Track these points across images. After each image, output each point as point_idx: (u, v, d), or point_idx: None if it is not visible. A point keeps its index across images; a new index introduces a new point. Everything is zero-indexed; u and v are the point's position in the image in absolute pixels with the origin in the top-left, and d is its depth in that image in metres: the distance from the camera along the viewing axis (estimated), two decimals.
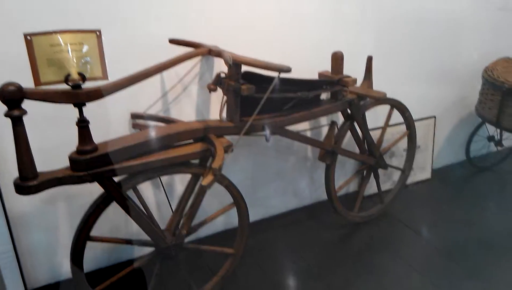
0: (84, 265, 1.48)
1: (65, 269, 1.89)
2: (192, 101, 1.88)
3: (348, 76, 1.89)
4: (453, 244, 2.18)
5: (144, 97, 1.76)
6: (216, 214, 1.72)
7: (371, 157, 2.17)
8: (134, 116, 1.75)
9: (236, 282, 1.91)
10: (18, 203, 1.71)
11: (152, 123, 1.74)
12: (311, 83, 1.79)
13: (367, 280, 1.92)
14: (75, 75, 1.27)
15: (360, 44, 2.23)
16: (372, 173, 2.28)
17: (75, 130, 1.33)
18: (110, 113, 1.72)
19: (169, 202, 1.83)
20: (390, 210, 2.45)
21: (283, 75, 1.50)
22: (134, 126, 1.72)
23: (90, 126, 1.33)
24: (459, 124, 2.90)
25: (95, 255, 1.93)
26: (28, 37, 1.22)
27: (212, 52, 1.55)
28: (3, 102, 1.17)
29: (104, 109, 1.70)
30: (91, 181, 1.35)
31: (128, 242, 1.56)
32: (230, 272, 1.80)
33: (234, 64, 1.53)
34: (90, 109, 1.37)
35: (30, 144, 1.25)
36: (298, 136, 1.84)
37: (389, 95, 2.19)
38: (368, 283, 1.90)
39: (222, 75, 1.60)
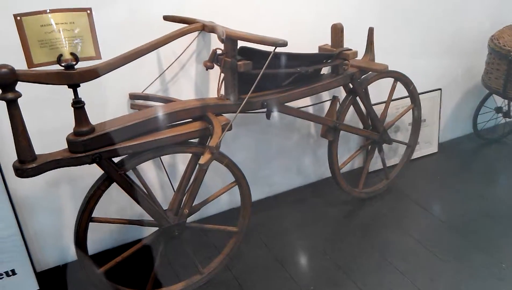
0: (93, 246, 1.49)
1: (72, 251, 1.91)
2: (190, 80, 1.86)
3: (349, 49, 1.85)
4: (461, 218, 2.16)
5: (142, 77, 1.74)
6: (218, 193, 1.71)
7: (375, 132, 2.14)
8: (133, 97, 1.73)
9: (242, 260, 1.92)
10: (23, 186, 1.72)
11: (150, 103, 1.72)
12: (310, 57, 1.76)
13: (373, 256, 1.92)
14: (67, 56, 1.26)
15: (361, 15, 2.18)
16: (377, 149, 2.25)
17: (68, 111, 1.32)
18: (109, 94, 1.70)
19: (170, 182, 1.83)
20: (396, 185, 2.42)
21: (281, 49, 1.47)
22: (133, 106, 1.70)
23: (89, 108, 1.33)
24: (465, 96, 2.84)
25: (103, 237, 1.95)
26: (18, 18, 1.20)
27: (206, 28, 1.52)
28: None
29: (102, 90, 1.68)
30: (89, 162, 1.35)
31: (131, 222, 1.56)
32: (234, 250, 1.81)
33: (230, 39, 1.50)
34: (88, 91, 1.37)
35: (31, 127, 1.25)
36: (299, 113, 1.82)
37: (392, 68, 2.15)
38: (373, 258, 1.90)
39: (218, 51, 1.57)
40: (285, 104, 1.76)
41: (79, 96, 1.30)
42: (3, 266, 1.70)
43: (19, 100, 1.19)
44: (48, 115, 1.65)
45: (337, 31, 1.85)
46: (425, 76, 2.55)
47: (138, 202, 1.49)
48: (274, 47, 1.40)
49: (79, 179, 1.81)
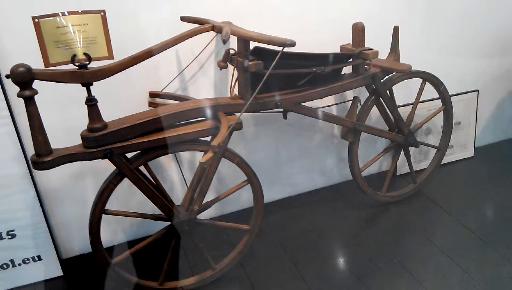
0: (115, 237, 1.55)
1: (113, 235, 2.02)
2: (209, 79, 1.88)
3: (369, 48, 1.80)
4: (491, 228, 2.04)
5: (162, 76, 1.79)
6: (229, 191, 1.73)
7: (400, 134, 2.08)
8: (152, 95, 1.79)
9: (256, 258, 1.93)
10: (52, 179, 1.82)
11: (169, 101, 1.77)
12: (327, 57, 1.73)
13: (391, 262, 1.86)
14: (81, 56, 1.33)
15: (387, 13, 2.11)
16: (403, 152, 2.18)
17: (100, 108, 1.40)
18: (131, 92, 1.76)
19: (184, 179, 1.87)
20: (424, 190, 2.33)
21: (295, 49, 1.46)
22: (150, 104, 1.76)
23: (112, 105, 1.39)
24: (505, 98, 2.67)
25: (126, 228, 2.03)
26: (36, 20, 1.28)
27: (215, 28, 1.54)
28: (14, 82, 1.24)
29: (125, 88, 1.75)
30: (101, 157, 1.41)
31: (142, 216, 1.62)
32: (247, 248, 1.82)
33: (242, 40, 1.51)
34: (110, 89, 1.43)
35: (57, 123, 1.33)
36: (316, 113, 1.79)
37: (423, 68, 2.08)
38: (391, 265, 1.85)
39: (232, 51, 1.59)
40: (302, 104, 1.75)
41: (93, 94, 1.37)
42: (30, 251, 1.82)
43: (47, 98, 1.27)
44: (75, 112, 1.74)
45: (358, 30, 1.81)
46: (460, 77, 2.43)
47: (148, 197, 1.54)
48: (282, 48, 1.40)
49: (103, 172, 1.87)
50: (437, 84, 2.11)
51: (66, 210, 1.90)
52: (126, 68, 1.37)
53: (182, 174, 1.85)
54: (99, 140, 1.39)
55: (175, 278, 1.79)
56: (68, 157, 1.38)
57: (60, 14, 1.29)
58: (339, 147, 2.34)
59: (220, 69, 1.64)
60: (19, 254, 1.81)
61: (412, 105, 2.12)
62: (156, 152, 1.50)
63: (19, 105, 1.63)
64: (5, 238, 1.77)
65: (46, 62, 1.32)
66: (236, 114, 1.60)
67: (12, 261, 1.81)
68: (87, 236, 1.98)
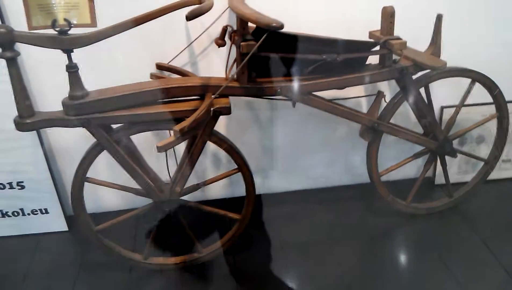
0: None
1: (103, 202, 2.06)
2: (220, 55, 1.77)
3: (397, 38, 1.55)
4: None
5: (170, 49, 1.72)
6: (217, 177, 1.64)
7: (433, 140, 1.80)
8: (159, 67, 1.73)
9: (250, 248, 1.85)
10: (63, 137, 1.89)
11: (173, 75, 1.71)
12: (343, 44, 1.52)
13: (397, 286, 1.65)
14: (62, 21, 1.30)
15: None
16: (439, 160, 1.90)
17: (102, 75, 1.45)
18: (136, 62, 1.72)
19: (176, 159, 1.80)
20: (461, 208, 2.02)
21: (305, 33, 1.31)
22: (151, 76, 1.70)
23: (116, 76, 1.40)
24: None
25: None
26: None
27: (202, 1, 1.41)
28: None
29: (130, 59, 1.72)
30: (79, 125, 1.40)
31: (124, 189, 1.60)
32: (235, 237, 1.74)
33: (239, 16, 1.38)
34: (115, 57, 1.52)
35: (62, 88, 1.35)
36: (326, 106, 1.60)
37: (476, 67, 1.77)
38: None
39: (229, 28, 1.46)
40: (311, 94, 1.58)
41: (74, 61, 1.34)
42: (38, 204, 1.92)
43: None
44: (84, 77, 1.76)
45: (387, 15, 1.56)
46: None
47: (127, 171, 1.52)
48: (267, 30, 1.25)
49: None
50: (491, 86, 1.77)
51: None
52: (107, 37, 1.31)
53: (175, 154, 1.79)
54: (78, 108, 1.37)
55: (161, 255, 1.78)
56: (48, 121, 1.39)
57: None
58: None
59: (218, 47, 1.53)
60: (28, 204, 1.92)
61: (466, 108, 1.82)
62: (137, 127, 1.46)
63: (24, 64, 1.69)
64: (15, 188, 1.88)
65: (30, 25, 1.31)
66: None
67: (22, 210, 1.93)
68: (95, 197, 2.07)
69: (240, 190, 2.09)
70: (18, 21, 1.42)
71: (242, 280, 1.71)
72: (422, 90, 1.73)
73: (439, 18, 1.62)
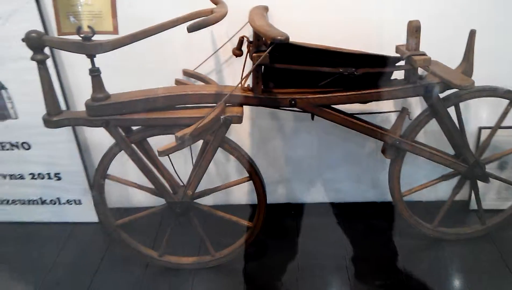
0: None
1: (134, 198, 2.16)
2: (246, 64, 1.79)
3: (422, 54, 1.48)
4: None
5: (197, 56, 1.77)
6: (228, 184, 1.67)
7: (462, 163, 1.69)
8: (185, 73, 1.79)
9: (263, 256, 1.85)
10: (97, 136, 2.00)
11: (197, 82, 1.76)
12: (362, 58, 1.48)
13: None
14: (86, 28, 1.40)
15: (465, 10, 1.71)
16: (471, 184, 1.78)
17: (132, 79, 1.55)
18: (165, 68, 1.79)
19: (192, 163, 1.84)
20: (496, 237, 1.87)
21: (324, 45, 1.31)
22: (176, 82, 1.77)
23: (145, 80, 1.52)
24: None
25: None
26: None
27: (205, 12, 1.44)
28: (28, 46, 1.37)
29: (160, 64, 1.80)
30: (99, 126, 1.49)
31: (140, 187, 1.68)
32: (247, 244, 1.75)
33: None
34: (144, 63, 1.64)
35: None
36: (342, 120, 1.56)
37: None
38: None
39: (246, 39, 1.48)
40: (329, 106, 1.55)
41: (96, 66, 1.43)
42: (72, 194, 2.07)
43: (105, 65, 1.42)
44: (116, 81, 1.86)
45: (412, 30, 1.49)
46: None
47: (143, 172, 1.59)
48: (272, 42, 1.25)
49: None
50: None
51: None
52: (125, 45, 1.38)
53: (192, 158, 1.83)
54: (98, 109, 1.47)
55: (176, 254, 1.83)
56: (72, 120, 1.50)
57: None
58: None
59: (236, 57, 1.56)
60: (64, 195, 2.08)
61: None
62: (152, 130, 1.52)
63: (64, 64, 1.82)
64: (52, 179, 2.04)
65: (59, 31, 1.43)
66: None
67: (58, 199, 2.09)
68: (124, 192, 2.18)
69: (268, 197, 2.10)
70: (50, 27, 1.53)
71: (251, 288, 1.72)
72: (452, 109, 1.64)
73: (471, 34, 1.52)
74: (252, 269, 1.80)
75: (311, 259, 1.83)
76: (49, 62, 1.72)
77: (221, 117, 1.45)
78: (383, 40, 1.68)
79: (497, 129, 1.68)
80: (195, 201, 1.67)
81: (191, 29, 1.19)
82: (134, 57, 1.74)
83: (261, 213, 1.67)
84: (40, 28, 1.64)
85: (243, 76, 1.50)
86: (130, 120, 1.48)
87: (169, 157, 1.71)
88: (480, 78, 1.57)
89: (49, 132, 1.87)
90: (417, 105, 1.87)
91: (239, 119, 1.47)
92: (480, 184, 1.81)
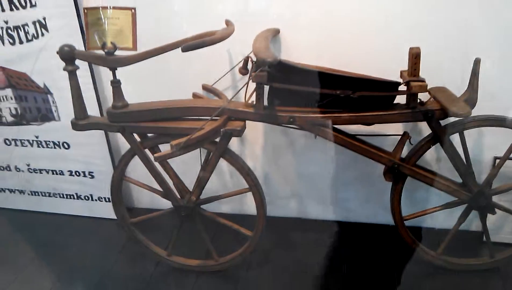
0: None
1: (159, 201, 2.32)
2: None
3: (421, 80, 1.50)
4: None
5: (216, 72, 1.91)
6: (230, 193, 1.77)
7: (466, 191, 1.66)
8: (204, 88, 1.94)
9: (265, 265, 1.93)
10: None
11: (212, 96, 1.89)
12: (362, 82, 1.53)
13: None
14: (109, 44, 1.58)
15: (470, 39, 1.70)
16: (478, 214, 1.73)
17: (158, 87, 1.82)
18: (187, 82, 1.95)
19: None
20: (506, 271, 1.80)
21: (325, 67, 1.42)
22: (193, 96, 1.91)
23: (166, 92, 1.72)
24: None
25: None
26: (85, 11, 1.60)
27: (210, 33, 1.56)
28: (61, 58, 1.59)
29: (185, 78, 1.96)
30: (116, 131, 1.67)
31: (151, 189, 1.83)
32: (247, 253, 1.83)
33: None
34: (169, 76, 1.85)
35: (136, 96, 1.67)
36: (341, 140, 1.62)
37: None
38: None
39: (250, 59, 1.59)
40: (324, 126, 1.61)
41: (117, 78, 1.61)
42: (104, 192, 2.28)
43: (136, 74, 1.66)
44: (149, 88, 2.04)
45: (412, 57, 1.52)
46: None
47: (153, 176, 1.74)
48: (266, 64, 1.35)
49: None
50: None
51: (138, 168, 2.26)
52: (140, 60, 1.55)
53: (201, 164, 1.96)
54: (117, 116, 1.65)
55: (185, 255, 1.96)
56: (95, 125, 1.70)
57: (100, 8, 1.57)
58: (411, 185, 2.00)
59: (242, 75, 1.67)
60: (96, 192, 2.30)
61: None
62: (162, 138, 1.67)
63: (100, 76, 2.04)
64: (87, 177, 2.26)
65: (88, 46, 1.63)
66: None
67: (91, 195, 2.31)
68: (152, 194, 2.35)
69: (276, 210, 2.19)
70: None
71: None
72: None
73: (476, 62, 1.52)
74: (252, 277, 1.88)
75: (311, 274, 1.87)
76: (87, 73, 1.99)
77: (222, 130, 1.57)
78: (395, 66, 1.71)
79: (505, 159, 1.64)
80: (201, 206, 1.80)
81: (185, 49, 1.32)
82: (162, 73, 1.95)
83: (260, 223, 1.76)
84: (81, 42, 1.88)
85: (252, 93, 1.61)
86: (144, 127, 1.64)
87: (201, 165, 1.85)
88: (494, 107, 1.60)
89: (85, 134, 2.09)
90: (428, 129, 1.86)
91: (239, 133, 1.57)
92: (495, 216, 1.77)
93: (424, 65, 1.58)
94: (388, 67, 1.73)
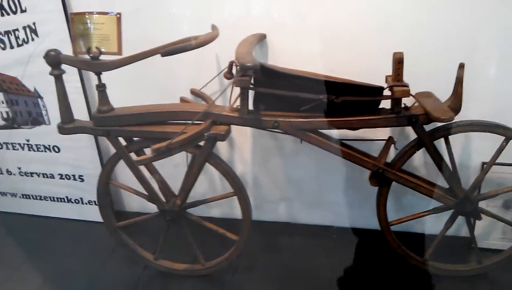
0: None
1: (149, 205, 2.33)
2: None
3: (404, 85, 1.50)
4: None
5: (204, 77, 1.91)
6: (216, 197, 1.77)
7: (451, 197, 1.65)
8: (192, 92, 1.94)
9: (253, 269, 1.94)
10: None
11: (199, 100, 1.90)
12: (345, 86, 1.53)
13: None
14: (94, 49, 1.59)
15: (470, 43, 1.70)
16: (465, 220, 1.72)
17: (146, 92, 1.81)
18: (175, 86, 1.96)
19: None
20: (492, 277, 1.79)
21: (308, 72, 1.45)
22: (181, 100, 1.91)
23: (155, 96, 1.73)
24: None
25: None
26: (71, 16, 1.61)
27: (194, 38, 1.56)
28: (47, 63, 1.60)
29: (173, 82, 1.97)
30: (101, 135, 1.68)
31: (137, 193, 1.83)
32: (233, 257, 1.83)
33: None
34: (157, 80, 1.85)
35: (123, 101, 1.68)
36: (324, 144, 1.62)
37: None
38: None
39: (234, 64, 1.59)
40: (315, 131, 1.61)
41: (103, 82, 1.63)
42: (93, 196, 2.26)
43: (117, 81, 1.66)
44: (138, 93, 2.05)
45: (395, 62, 1.51)
46: None
47: (137, 179, 1.74)
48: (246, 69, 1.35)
49: None
50: None
51: (126, 171, 2.27)
52: (125, 65, 1.56)
53: (188, 169, 1.96)
54: (101, 120, 1.65)
55: (172, 259, 1.96)
56: (81, 128, 1.70)
57: (86, 14, 1.58)
58: (401, 191, 1.99)
59: (227, 80, 1.67)
60: (86, 195, 2.31)
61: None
62: (146, 142, 1.68)
63: (90, 81, 2.05)
64: (77, 180, 2.27)
65: (74, 50, 1.64)
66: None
67: (81, 199, 2.32)
68: (140, 198, 2.36)
69: (264, 214, 2.19)
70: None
71: None
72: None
73: (460, 66, 1.51)
74: (238, 281, 1.88)
75: (298, 278, 1.87)
76: (77, 77, 2.01)
77: (206, 134, 1.57)
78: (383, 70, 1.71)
79: (491, 165, 1.63)
80: (187, 210, 1.80)
81: (164, 54, 1.33)
82: (150, 77, 1.95)
83: (246, 227, 1.75)
84: (70, 47, 1.89)
85: (237, 98, 1.61)
86: (129, 131, 1.65)
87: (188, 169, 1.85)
88: (484, 113, 1.61)
89: (75, 137, 2.10)
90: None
91: (223, 137, 1.58)
92: (484, 222, 1.77)
93: (422, 67, 1.67)
94: (380, 71, 1.73)
